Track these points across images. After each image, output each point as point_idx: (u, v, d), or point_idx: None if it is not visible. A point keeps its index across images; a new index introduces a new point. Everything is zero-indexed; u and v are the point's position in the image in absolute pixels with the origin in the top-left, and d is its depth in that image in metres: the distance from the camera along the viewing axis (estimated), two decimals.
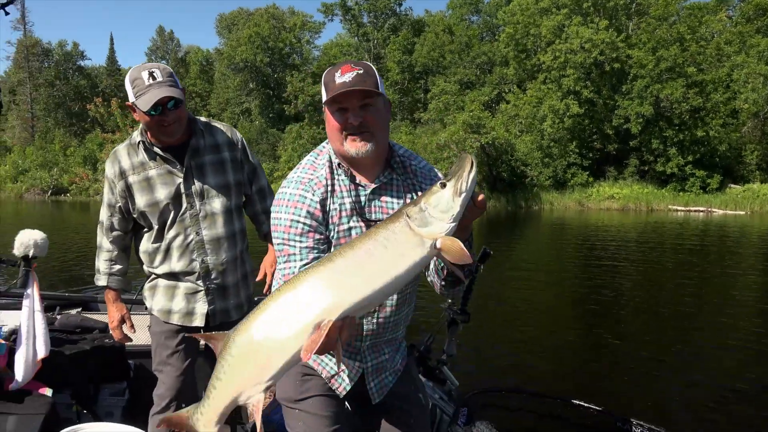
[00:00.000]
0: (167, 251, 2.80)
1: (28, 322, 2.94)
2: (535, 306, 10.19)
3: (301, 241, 1.92)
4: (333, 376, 2.12)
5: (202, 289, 2.82)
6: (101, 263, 2.92)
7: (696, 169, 39.72)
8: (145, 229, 2.84)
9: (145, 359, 3.43)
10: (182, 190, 2.74)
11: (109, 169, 2.80)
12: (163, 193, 2.73)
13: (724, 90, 40.89)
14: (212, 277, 2.82)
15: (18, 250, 3.00)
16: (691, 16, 43.01)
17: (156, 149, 2.74)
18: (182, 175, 2.74)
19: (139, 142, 2.76)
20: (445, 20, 55.24)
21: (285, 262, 1.94)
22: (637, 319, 9.33)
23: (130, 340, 3.06)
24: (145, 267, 2.91)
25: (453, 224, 1.64)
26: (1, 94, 3.16)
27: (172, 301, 2.84)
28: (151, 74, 2.60)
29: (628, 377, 6.37)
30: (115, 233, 2.88)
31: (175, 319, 2.84)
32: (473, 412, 2.43)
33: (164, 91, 2.57)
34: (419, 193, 1.99)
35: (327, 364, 2.12)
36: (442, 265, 1.91)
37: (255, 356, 1.57)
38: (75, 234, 20.00)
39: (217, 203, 2.80)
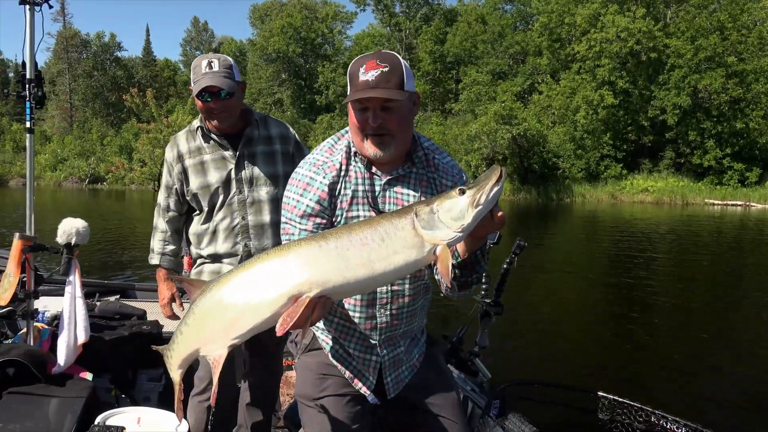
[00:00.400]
0: (214, 233, 2.91)
1: (70, 308, 3.03)
2: (566, 299, 10.10)
3: (301, 223, 1.93)
4: (357, 376, 2.09)
5: None
6: (156, 243, 3.06)
7: (734, 162, 38.77)
8: (196, 212, 2.98)
9: None
10: (233, 176, 2.87)
11: (168, 153, 2.96)
12: (214, 177, 2.86)
13: (766, 80, 39.73)
14: None
15: (61, 237, 3.09)
16: (733, 4, 41.71)
17: (213, 135, 2.88)
18: (234, 161, 2.87)
19: (197, 128, 2.91)
20: (478, 9, 54.70)
21: (284, 242, 1.94)
22: (671, 313, 9.18)
23: (178, 318, 3.15)
24: (192, 248, 3.03)
25: (460, 234, 1.59)
26: (44, 84, 3.26)
27: None
28: (209, 63, 2.75)
29: (662, 372, 6.29)
30: (170, 214, 3.02)
31: None
32: (506, 404, 2.42)
33: (214, 80, 2.70)
34: (437, 191, 1.97)
35: (350, 363, 2.10)
36: (454, 263, 1.84)
37: (226, 312, 1.56)
38: (112, 222, 20.42)
39: (264, 191, 2.91)
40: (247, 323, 1.56)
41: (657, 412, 2.20)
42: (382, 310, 2.05)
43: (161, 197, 3.03)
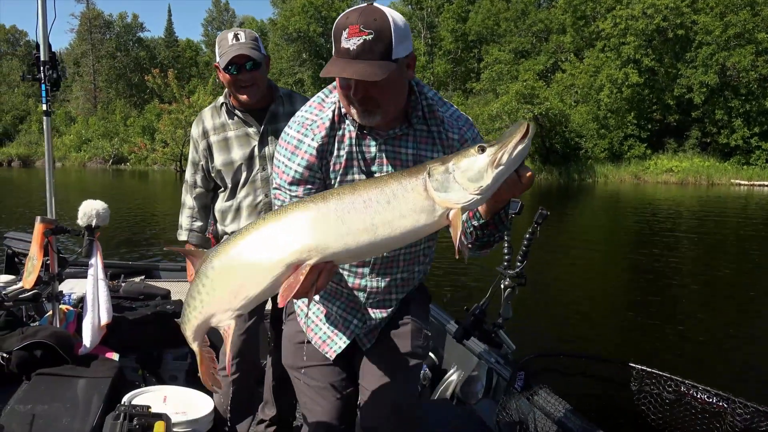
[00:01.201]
0: (238, 210, 2.93)
1: (93, 290, 3.06)
2: (589, 274, 10.05)
3: (291, 190, 1.82)
4: (324, 341, 2.02)
5: None
6: (184, 219, 3.10)
7: (762, 142, 37.90)
8: (222, 189, 2.99)
9: None
10: (256, 153, 2.88)
11: (194, 130, 2.98)
12: (238, 154, 2.88)
13: None
14: None
15: (81, 220, 3.11)
16: None
17: (237, 111, 2.88)
18: (258, 138, 2.87)
19: (222, 104, 2.91)
20: None
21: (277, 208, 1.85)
22: (695, 289, 9.11)
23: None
24: (218, 226, 3.05)
25: (478, 197, 1.44)
26: (65, 64, 3.24)
27: None
28: (235, 36, 2.75)
29: (688, 344, 6.24)
30: (198, 190, 3.05)
31: None
32: (530, 376, 2.41)
33: (242, 50, 2.69)
34: (441, 146, 1.84)
35: (320, 329, 2.03)
36: (475, 224, 1.71)
37: (228, 281, 1.50)
38: (135, 203, 20.65)
39: None
40: (248, 293, 1.49)
41: (687, 381, 2.16)
42: (375, 275, 1.95)
43: (188, 173, 3.07)
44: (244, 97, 2.81)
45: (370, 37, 1.59)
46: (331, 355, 2.01)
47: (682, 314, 7.55)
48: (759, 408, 1.98)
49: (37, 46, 3.28)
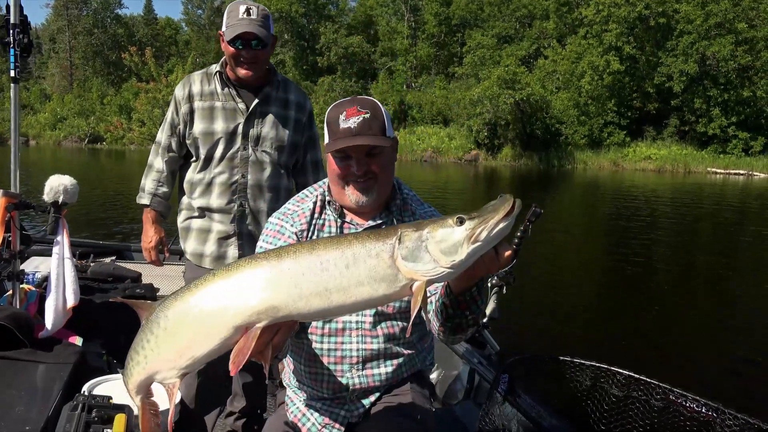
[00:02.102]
0: (209, 185, 2.81)
1: (58, 270, 2.89)
2: (569, 269, 10.02)
3: None
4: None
5: (234, 233, 2.81)
6: (149, 182, 2.93)
7: (739, 131, 38.38)
8: (194, 159, 2.86)
9: None
10: (240, 130, 2.77)
11: (179, 91, 2.84)
12: (221, 126, 2.77)
13: None
14: (246, 222, 2.82)
15: (48, 195, 2.93)
16: None
17: (231, 84, 2.78)
18: (245, 116, 2.77)
19: (216, 72, 2.80)
20: None
21: None
22: (675, 283, 9.13)
23: (161, 265, 3.07)
24: (184, 198, 2.91)
25: (448, 272, 1.34)
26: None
27: (204, 245, 2.85)
28: (247, 10, 2.66)
29: (669, 345, 6.22)
30: (171, 154, 2.90)
31: (207, 263, 2.84)
32: (515, 379, 2.31)
33: (251, 27, 2.62)
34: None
35: (309, 420, 1.93)
36: (445, 302, 1.63)
37: (173, 341, 1.39)
38: (111, 182, 20.28)
39: (269, 153, 2.82)
40: (194, 354, 1.39)
41: (676, 390, 2.09)
42: (354, 371, 1.88)
43: (162, 135, 2.91)
44: (244, 72, 2.71)
45: (368, 115, 1.75)
46: None
47: (662, 310, 7.56)
48: (749, 420, 1.91)
49: (7, 7, 3.10)
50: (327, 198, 1.90)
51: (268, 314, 1.34)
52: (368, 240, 1.37)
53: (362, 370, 1.88)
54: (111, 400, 2.03)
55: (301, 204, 1.93)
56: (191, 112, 2.80)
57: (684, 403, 2.04)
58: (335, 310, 1.38)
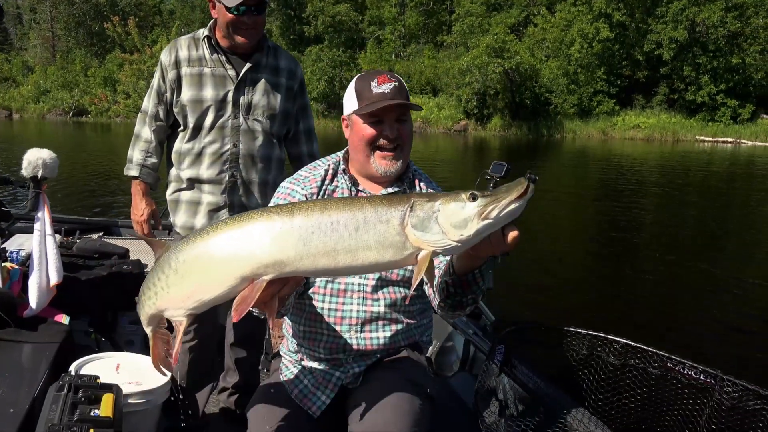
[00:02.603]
0: (200, 155, 2.74)
1: (40, 247, 2.81)
2: (563, 238, 10.06)
3: None
4: (306, 396, 1.90)
5: (225, 204, 2.76)
6: (136, 153, 2.85)
7: (728, 99, 38.36)
8: (181, 128, 2.78)
9: None
10: (230, 98, 2.70)
11: (165, 57, 2.75)
12: (210, 93, 2.69)
13: (766, 14, 38.86)
14: (238, 193, 2.77)
15: (26, 170, 2.83)
16: None
17: (221, 50, 2.70)
18: (235, 83, 2.69)
19: (205, 37, 2.71)
20: None
21: None
22: (668, 251, 9.18)
23: (154, 236, 3.00)
24: (173, 170, 2.85)
25: (455, 245, 1.36)
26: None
27: (194, 218, 2.80)
28: None
29: (663, 312, 6.26)
30: (158, 123, 2.82)
31: None
32: (510, 349, 2.29)
33: None
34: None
35: (302, 382, 1.92)
36: (447, 280, 1.67)
37: (182, 283, 1.44)
38: (97, 156, 20.00)
39: (260, 122, 2.75)
40: (201, 297, 1.43)
41: (674, 357, 2.07)
42: (352, 332, 1.89)
43: (149, 103, 2.81)
44: (242, 39, 2.63)
45: (397, 84, 1.86)
46: (315, 411, 1.87)
47: (655, 272, 7.61)
48: (748, 386, 1.90)
49: None
50: (342, 167, 1.96)
51: (275, 268, 1.37)
52: (380, 205, 1.38)
53: (361, 332, 1.91)
54: (98, 380, 1.98)
55: (313, 171, 1.99)
56: (178, 78, 2.71)
57: (682, 370, 2.03)
58: (341, 271, 1.41)
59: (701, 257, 8.70)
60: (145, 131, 2.83)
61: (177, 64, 2.71)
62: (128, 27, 43.53)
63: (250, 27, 2.61)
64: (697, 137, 37.31)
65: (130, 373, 2.37)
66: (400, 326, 1.93)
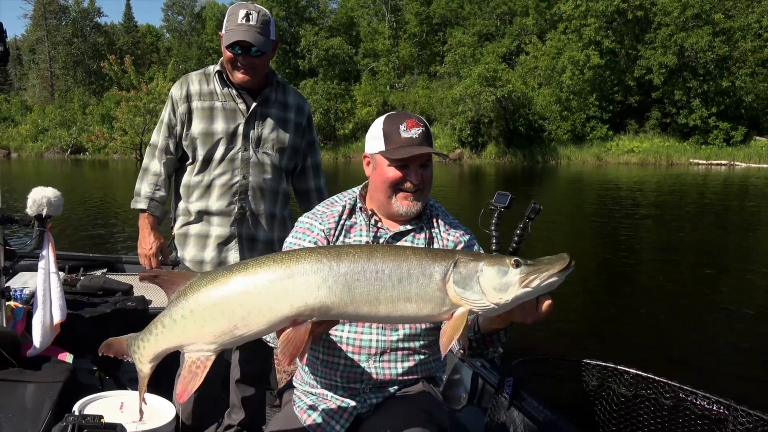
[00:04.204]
0: (209, 187, 2.74)
1: (44, 285, 2.81)
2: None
3: None
4: (320, 426, 1.89)
5: (235, 236, 2.76)
6: (145, 186, 2.83)
7: (720, 121, 38.75)
8: (189, 162, 2.79)
9: None
10: (240, 131, 2.72)
11: (176, 91, 2.77)
12: (221, 127, 2.71)
13: (753, 38, 39.49)
14: (245, 224, 2.77)
15: (31, 209, 2.84)
16: None
17: (231, 84, 2.73)
18: (246, 117, 2.72)
19: (216, 72, 2.74)
20: None
21: None
22: (670, 277, 9.13)
23: (163, 270, 2.96)
24: (181, 203, 2.84)
25: (492, 307, 1.40)
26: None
27: (204, 251, 2.78)
28: (247, 15, 2.62)
29: (669, 340, 6.19)
30: (168, 156, 2.81)
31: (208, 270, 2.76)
32: (519, 382, 2.26)
33: (248, 36, 2.58)
34: (437, 245, 1.94)
35: (315, 411, 1.92)
36: (471, 336, 1.76)
37: (220, 317, 1.38)
38: (96, 193, 20.03)
39: (270, 155, 2.77)
40: (239, 333, 1.39)
41: (686, 387, 2.04)
42: (371, 362, 1.89)
43: (159, 137, 2.81)
44: (241, 77, 2.67)
45: (424, 129, 1.88)
46: None
47: (655, 306, 7.56)
48: (763, 416, 1.88)
49: None
50: (359, 204, 1.98)
51: (320, 312, 1.37)
52: (425, 257, 1.41)
53: (379, 361, 1.89)
54: (102, 419, 1.96)
55: (331, 207, 2.00)
56: (189, 111, 2.73)
57: (694, 400, 2.00)
58: (380, 319, 1.44)
59: (704, 282, 8.66)
60: (154, 164, 2.82)
61: (188, 97, 2.73)
62: (125, 65, 43.90)
63: (246, 66, 2.64)
64: (691, 160, 37.56)
65: (134, 412, 2.35)
66: (418, 357, 1.92)
